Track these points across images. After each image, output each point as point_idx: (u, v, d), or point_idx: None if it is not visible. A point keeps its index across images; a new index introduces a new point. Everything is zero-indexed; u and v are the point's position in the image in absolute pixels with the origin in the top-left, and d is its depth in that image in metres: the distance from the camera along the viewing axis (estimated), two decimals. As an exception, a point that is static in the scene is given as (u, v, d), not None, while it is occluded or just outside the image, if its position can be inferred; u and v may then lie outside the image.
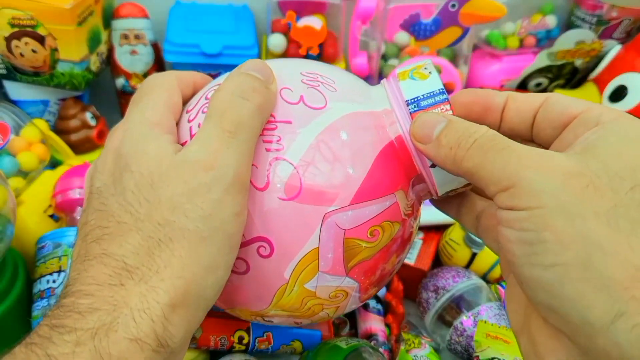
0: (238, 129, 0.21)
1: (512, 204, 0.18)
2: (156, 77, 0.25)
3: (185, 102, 0.27)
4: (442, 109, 0.24)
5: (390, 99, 0.26)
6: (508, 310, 0.22)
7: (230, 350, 0.37)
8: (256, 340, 0.37)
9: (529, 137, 0.24)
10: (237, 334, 0.36)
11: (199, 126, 0.24)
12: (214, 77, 0.30)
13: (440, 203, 0.29)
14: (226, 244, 0.21)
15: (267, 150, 0.24)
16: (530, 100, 0.23)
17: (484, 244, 0.26)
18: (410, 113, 0.25)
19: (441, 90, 0.25)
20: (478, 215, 0.26)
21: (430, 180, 0.26)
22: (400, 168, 0.26)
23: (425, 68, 0.26)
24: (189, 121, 0.25)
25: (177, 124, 0.25)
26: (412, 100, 0.25)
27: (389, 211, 0.26)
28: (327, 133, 0.24)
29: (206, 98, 0.26)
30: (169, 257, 0.20)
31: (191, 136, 0.24)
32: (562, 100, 0.22)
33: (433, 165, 0.25)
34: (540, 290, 0.18)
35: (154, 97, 0.24)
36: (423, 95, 0.25)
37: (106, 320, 0.18)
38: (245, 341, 0.37)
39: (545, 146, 0.23)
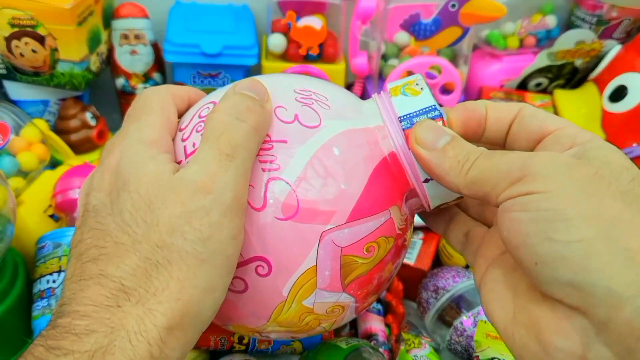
0: (235, 151, 0.22)
1: (528, 189, 0.19)
2: (152, 93, 0.25)
3: (179, 117, 0.27)
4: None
5: (383, 115, 0.26)
6: (489, 310, 0.22)
7: (230, 350, 0.37)
8: (256, 340, 0.37)
9: (502, 147, 0.25)
10: (237, 334, 0.36)
11: (193, 145, 0.24)
12: (214, 77, 0.30)
13: (430, 218, 0.29)
14: (224, 266, 0.21)
15: (263, 170, 0.24)
16: (507, 109, 0.24)
17: (466, 260, 0.27)
18: (403, 130, 0.25)
19: (433, 107, 0.25)
20: (466, 233, 0.27)
21: (423, 194, 0.26)
22: (394, 183, 0.26)
23: (417, 84, 0.26)
24: (182, 140, 0.25)
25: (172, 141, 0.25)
26: (405, 117, 0.25)
27: (384, 227, 0.26)
28: (322, 151, 0.25)
29: (199, 116, 0.26)
30: (166, 280, 0.20)
31: (186, 155, 0.24)
32: (537, 115, 0.23)
33: (426, 180, 0.25)
34: (562, 266, 0.18)
35: (152, 115, 0.24)
36: (416, 111, 0.25)
37: (103, 343, 0.18)
38: (245, 341, 0.37)
39: None
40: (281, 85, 0.27)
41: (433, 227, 0.29)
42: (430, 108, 0.25)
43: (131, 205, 0.21)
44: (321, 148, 0.25)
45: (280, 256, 0.24)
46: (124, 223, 0.21)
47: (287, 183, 0.24)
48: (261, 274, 0.24)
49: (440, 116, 0.25)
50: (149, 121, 0.24)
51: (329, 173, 0.24)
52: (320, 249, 0.24)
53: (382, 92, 0.28)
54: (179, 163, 0.24)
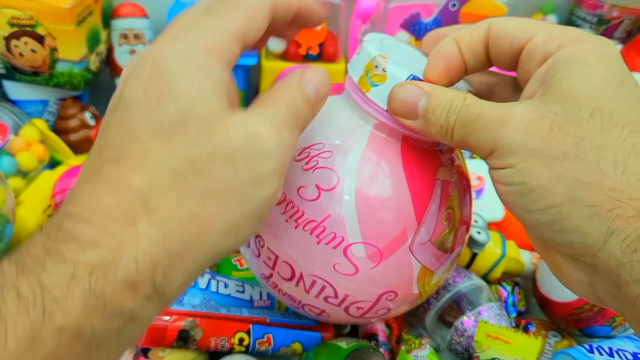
0: (298, 121, 0.21)
1: (500, 164, 0.21)
2: None
3: (278, 28, 0.24)
4: None
5: (374, 114, 0.26)
6: (531, 240, 0.24)
7: (230, 352, 0.37)
8: (256, 342, 0.37)
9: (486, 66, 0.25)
10: (238, 335, 0.36)
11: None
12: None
13: None
14: (255, 215, 0.20)
15: (335, 247, 0.27)
16: (476, 37, 0.24)
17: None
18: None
19: (411, 77, 0.24)
20: None
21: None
22: (424, 157, 0.27)
23: (376, 67, 0.25)
24: None
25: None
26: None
27: (444, 194, 0.28)
28: (360, 197, 0.26)
29: None
30: (197, 207, 0.18)
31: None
32: (507, 30, 0.23)
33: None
34: (545, 230, 0.21)
35: (227, 18, 0.20)
36: None
37: (107, 259, 0.17)
38: (245, 342, 0.37)
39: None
40: None
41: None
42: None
43: (173, 112, 0.18)
44: (358, 196, 0.26)
45: (397, 285, 0.29)
46: (159, 128, 0.18)
47: (359, 243, 0.27)
48: (389, 299, 0.30)
49: (420, 79, 0.24)
50: (220, 25, 0.20)
51: (379, 206, 0.27)
52: (416, 256, 0.28)
53: (354, 93, 0.27)
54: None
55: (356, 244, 0.27)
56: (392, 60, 0.25)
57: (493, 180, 0.22)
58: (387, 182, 0.27)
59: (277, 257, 0.30)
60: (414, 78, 0.24)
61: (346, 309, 0.31)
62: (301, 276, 0.29)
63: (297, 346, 0.38)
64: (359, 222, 0.26)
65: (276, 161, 0.20)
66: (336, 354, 0.35)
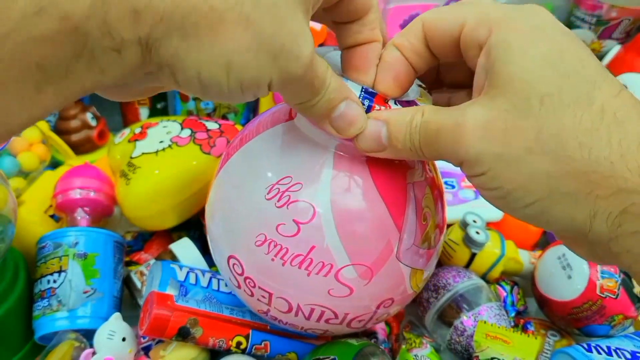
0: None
1: (472, 172, 0.21)
2: None
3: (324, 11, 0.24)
4: (378, 108, 0.24)
5: (334, 136, 0.24)
6: None
7: (227, 351, 0.38)
8: (253, 347, 0.37)
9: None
10: (236, 339, 0.37)
11: None
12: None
13: None
14: (274, 54, 0.19)
15: (325, 275, 0.27)
16: (413, 35, 0.24)
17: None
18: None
19: (363, 89, 0.24)
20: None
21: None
22: (392, 164, 0.27)
23: None
24: None
25: None
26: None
27: (418, 195, 0.28)
28: (340, 222, 0.27)
29: None
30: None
31: None
32: (438, 23, 0.23)
33: None
34: (536, 222, 0.21)
35: None
36: None
37: None
38: (242, 346, 0.37)
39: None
40: (251, 200, 0.28)
41: None
42: (361, 98, 0.24)
43: None
44: (337, 221, 0.26)
45: (393, 293, 0.30)
46: None
47: (348, 266, 0.27)
48: (386, 306, 0.31)
49: (374, 95, 0.24)
50: None
51: (360, 226, 0.27)
52: (404, 262, 0.28)
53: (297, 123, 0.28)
54: None
55: (346, 267, 0.27)
56: (344, 78, 0.25)
57: (474, 186, 0.22)
58: (361, 201, 0.27)
59: (271, 295, 0.30)
60: (366, 90, 0.24)
61: (348, 325, 0.31)
62: (299, 307, 0.29)
63: (292, 356, 0.39)
64: (344, 246, 0.27)
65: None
66: (347, 350, 0.35)
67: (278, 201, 0.27)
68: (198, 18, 0.17)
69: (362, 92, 0.24)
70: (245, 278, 0.30)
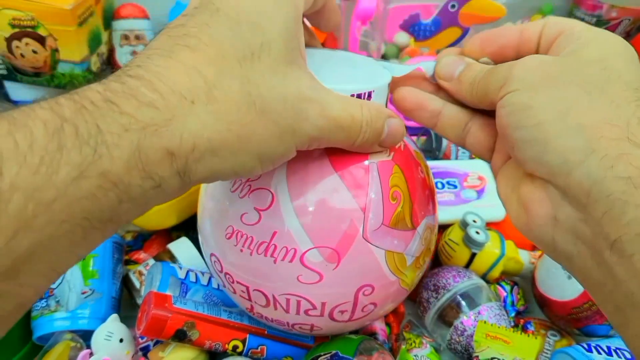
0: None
1: (507, 90, 0.22)
2: None
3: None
4: None
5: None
6: (498, 186, 0.26)
7: (224, 353, 0.37)
8: (249, 352, 0.37)
9: None
10: (232, 343, 0.37)
11: None
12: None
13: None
14: (281, 137, 0.21)
15: (291, 261, 0.27)
16: (535, 25, 0.26)
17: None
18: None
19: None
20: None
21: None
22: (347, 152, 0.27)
23: None
24: None
25: None
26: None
27: (382, 175, 0.28)
28: (298, 205, 0.27)
29: None
30: (248, 119, 0.20)
31: None
32: (558, 22, 0.26)
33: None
34: (529, 147, 0.22)
35: None
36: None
37: (159, 123, 0.18)
38: (239, 350, 0.37)
39: None
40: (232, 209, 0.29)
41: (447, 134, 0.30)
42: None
43: (252, 47, 0.20)
44: (295, 205, 0.27)
45: (370, 278, 0.29)
46: (241, 52, 0.20)
47: (312, 249, 0.27)
48: (367, 293, 0.30)
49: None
50: None
51: (319, 208, 0.27)
52: (375, 243, 0.28)
53: None
54: None
55: (310, 250, 0.27)
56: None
57: (497, 107, 0.23)
58: (318, 182, 0.27)
59: (248, 288, 0.30)
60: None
61: (331, 316, 0.30)
62: (275, 299, 0.29)
63: None
64: (304, 229, 0.27)
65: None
66: (348, 344, 0.36)
67: (241, 192, 0.28)
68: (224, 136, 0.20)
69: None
70: (225, 274, 0.31)
